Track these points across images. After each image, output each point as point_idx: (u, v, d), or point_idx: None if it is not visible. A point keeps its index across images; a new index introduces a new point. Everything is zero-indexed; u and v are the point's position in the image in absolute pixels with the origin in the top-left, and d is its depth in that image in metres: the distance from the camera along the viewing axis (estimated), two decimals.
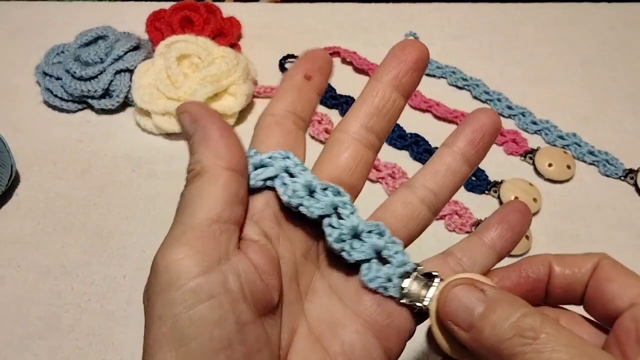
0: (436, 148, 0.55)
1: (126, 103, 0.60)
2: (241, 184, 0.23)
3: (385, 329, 0.24)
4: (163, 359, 0.20)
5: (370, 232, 0.25)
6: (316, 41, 0.66)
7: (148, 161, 0.55)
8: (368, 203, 0.56)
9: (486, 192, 0.53)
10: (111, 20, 0.63)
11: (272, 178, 0.25)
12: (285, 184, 0.24)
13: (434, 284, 0.24)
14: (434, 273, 0.24)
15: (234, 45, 0.65)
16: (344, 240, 0.25)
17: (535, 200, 0.51)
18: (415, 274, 0.25)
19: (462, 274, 0.24)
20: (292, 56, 0.64)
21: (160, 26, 0.64)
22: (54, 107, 0.60)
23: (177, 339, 0.19)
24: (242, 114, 0.58)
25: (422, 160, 0.55)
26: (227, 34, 0.65)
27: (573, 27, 0.69)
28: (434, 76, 0.63)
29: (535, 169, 0.54)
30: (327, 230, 0.24)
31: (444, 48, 0.66)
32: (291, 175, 0.25)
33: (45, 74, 0.60)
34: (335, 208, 0.25)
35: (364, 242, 0.25)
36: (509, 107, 0.60)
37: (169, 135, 0.57)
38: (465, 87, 0.62)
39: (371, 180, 0.53)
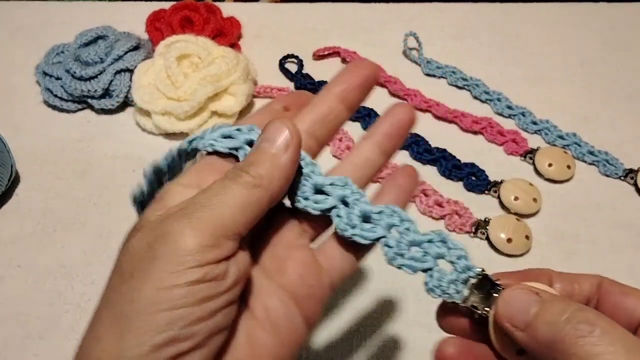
0: (436, 148, 0.55)
1: (126, 103, 0.60)
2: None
3: (305, 299, 0.26)
4: (150, 320, 0.21)
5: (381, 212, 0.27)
6: (316, 41, 0.66)
7: (148, 161, 0.55)
8: None
9: (486, 192, 0.53)
10: (111, 20, 0.63)
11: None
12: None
13: (495, 291, 0.24)
14: (497, 281, 0.25)
15: (234, 45, 0.65)
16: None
17: (535, 200, 0.51)
18: (478, 279, 0.25)
19: (528, 282, 0.25)
20: (292, 56, 0.64)
21: (160, 26, 0.64)
22: (54, 107, 0.60)
23: (167, 304, 0.21)
24: (242, 114, 0.58)
25: (422, 160, 0.55)
26: (227, 34, 0.65)
27: (573, 27, 0.69)
28: (434, 76, 0.64)
29: (535, 169, 0.54)
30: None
31: (444, 48, 0.66)
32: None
33: (45, 74, 0.60)
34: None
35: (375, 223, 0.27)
36: (509, 107, 0.60)
37: (169, 135, 0.57)
38: (465, 87, 0.62)
39: (371, 181, 0.53)
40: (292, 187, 0.27)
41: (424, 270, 0.25)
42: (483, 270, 0.25)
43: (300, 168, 0.27)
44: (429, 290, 0.25)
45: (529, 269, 0.26)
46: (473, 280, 0.25)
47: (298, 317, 0.26)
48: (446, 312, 0.26)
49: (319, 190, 0.27)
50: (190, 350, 0.22)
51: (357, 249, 0.28)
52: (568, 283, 0.25)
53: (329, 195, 0.27)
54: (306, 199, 0.27)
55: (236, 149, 0.26)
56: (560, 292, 0.25)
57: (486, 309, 0.24)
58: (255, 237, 0.27)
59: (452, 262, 0.25)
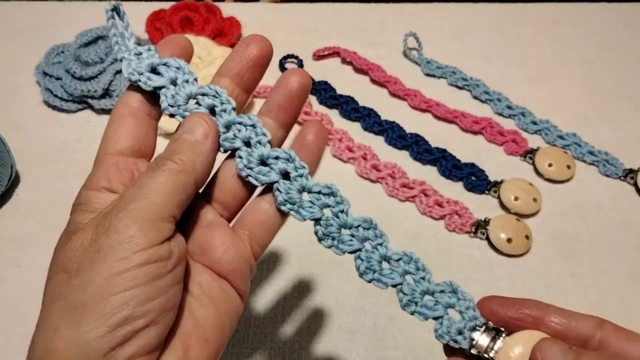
0: (436, 148, 0.55)
1: None
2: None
3: (231, 273, 0.28)
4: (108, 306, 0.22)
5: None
6: (316, 41, 0.66)
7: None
8: (368, 203, 0.57)
9: (486, 192, 0.53)
10: None
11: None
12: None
13: (500, 337, 0.26)
14: (500, 328, 0.26)
15: (234, 45, 0.65)
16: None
17: (535, 200, 0.51)
18: (484, 327, 0.27)
19: (531, 330, 0.26)
20: (292, 56, 0.64)
21: (160, 26, 0.64)
22: (54, 107, 0.60)
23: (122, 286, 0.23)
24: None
25: (422, 160, 0.55)
26: (227, 34, 0.65)
27: (573, 27, 0.69)
28: (434, 76, 0.64)
29: (535, 169, 0.54)
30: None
31: (444, 48, 0.66)
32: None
33: (45, 74, 0.60)
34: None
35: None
36: (509, 107, 0.60)
37: (169, 135, 0.57)
38: (465, 87, 0.62)
39: (371, 180, 0.53)
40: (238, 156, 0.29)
41: (434, 318, 0.27)
42: (488, 321, 0.27)
43: (249, 144, 0.29)
44: (439, 336, 0.27)
45: (518, 299, 0.27)
46: (479, 328, 0.26)
47: (230, 289, 0.28)
48: (452, 352, 0.28)
49: (263, 162, 0.29)
50: (145, 327, 0.23)
51: (281, 216, 0.30)
52: (565, 319, 0.26)
53: (272, 169, 0.29)
54: (250, 168, 0.29)
55: (160, 88, 0.29)
56: (557, 328, 0.26)
57: (491, 355, 0.26)
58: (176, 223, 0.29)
59: (460, 312, 0.27)
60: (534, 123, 0.58)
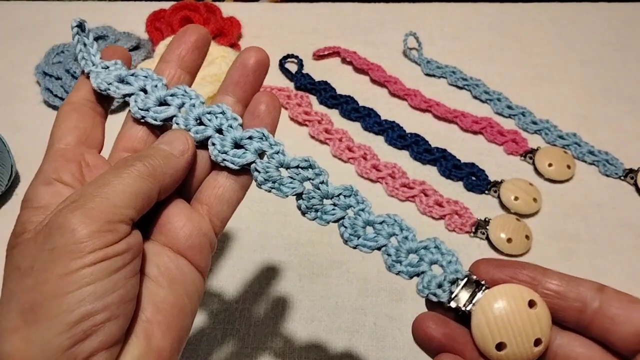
0: (436, 148, 0.55)
1: (126, 103, 0.59)
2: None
3: (190, 248, 0.27)
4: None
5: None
6: (316, 41, 0.66)
7: None
8: None
9: (486, 192, 0.53)
10: (111, 20, 0.63)
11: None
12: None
13: (479, 290, 0.26)
14: (482, 282, 0.26)
15: (234, 45, 0.65)
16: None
17: (535, 200, 0.51)
18: (465, 280, 0.26)
19: (512, 284, 0.25)
20: (292, 56, 0.64)
21: (160, 26, 0.64)
22: (54, 107, 0.60)
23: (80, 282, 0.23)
24: None
25: (422, 160, 0.55)
26: (227, 34, 0.65)
27: (573, 27, 0.69)
28: (434, 76, 0.64)
29: (535, 169, 0.54)
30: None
31: (444, 48, 0.66)
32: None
33: (45, 74, 0.60)
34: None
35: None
36: (509, 107, 0.60)
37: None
38: (465, 87, 0.62)
39: (371, 180, 0.53)
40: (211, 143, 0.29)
41: (418, 275, 0.27)
42: (471, 273, 0.26)
43: (221, 131, 0.29)
44: (419, 291, 0.27)
45: (519, 261, 0.26)
46: (460, 282, 0.26)
47: (189, 267, 0.28)
48: (433, 307, 0.27)
49: (237, 145, 0.29)
50: (106, 321, 0.23)
51: (243, 183, 0.30)
52: (564, 282, 0.25)
53: (247, 149, 0.29)
54: (225, 152, 0.29)
55: (129, 95, 0.30)
56: (556, 289, 0.25)
57: (468, 308, 0.25)
58: None
59: (442, 266, 0.27)
60: (534, 123, 0.58)
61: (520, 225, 0.49)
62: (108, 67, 0.31)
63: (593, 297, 0.24)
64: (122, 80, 0.30)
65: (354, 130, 0.58)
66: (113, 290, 0.23)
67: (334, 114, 0.60)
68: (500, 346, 0.24)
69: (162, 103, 0.30)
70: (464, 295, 0.26)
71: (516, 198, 0.51)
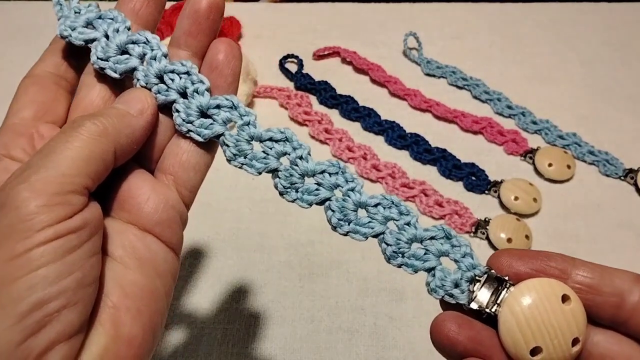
0: (436, 148, 0.55)
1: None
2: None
3: (158, 224, 0.25)
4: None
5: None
6: (316, 41, 0.66)
7: None
8: None
9: (486, 192, 0.53)
10: None
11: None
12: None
13: (504, 288, 0.22)
14: (505, 278, 0.22)
15: None
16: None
17: (535, 200, 0.51)
18: (485, 277, 0.23)
19: (541, 278, 0.22)
20: (292, 56, 0.64)
21: (160, 26, 0.64)
22: None
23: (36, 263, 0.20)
24: None
25: (422, 160, 0.55)
26: (227, 34, 0.65)
27: (573, 27, 0.69)
28: (434, 76, 0.64)
29: (535, 169, 0.54)
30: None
31: (444, 48, 0.66)
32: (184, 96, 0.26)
33: None
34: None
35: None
36: (509, 107, 0.60)
37: None
38: (465, 87, 0.62)
39: (371, 180, 0.53)
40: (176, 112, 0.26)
41: (427, 270, 0.23)
42: (490, 269, 0.23)
43: (185, 95, 0.26)
44: (432, 290, 0.23)
45: (544, 251, 0.23)
46: (479, 279, 0.23)
47: (158, 244, 0.25)
48: (448, 307, 0.24)
49: (204, 114, 0.26)
50: (62, 308, 0.20)
51: (206, 152, 0.27)
52: (597, 274, 0.22)
53: (215, 120, 0.26)
54: (190, 122, 0.26)
55: (92, 41, 0.26)
56: (587, 282, 0.22)
57: (494, 310, 0.22)
58: None
59: (456, 261, 0.23)
60: (534, 123, 0.58)
61: (520, 225, 0.49)
62: (80, 11, 0.27)
63: (631, 290, 0.22)
64: (89, 24, 0.27)
65: (354, 130, 0.58)
66: (69, 274, 0.20)
67: (334, 114, 0.60)
68: (534, 351, 0.22)
69: (124, 52, 0.26)
70: (484, 295, 0.22)
71: (516, 198, 0.51)
